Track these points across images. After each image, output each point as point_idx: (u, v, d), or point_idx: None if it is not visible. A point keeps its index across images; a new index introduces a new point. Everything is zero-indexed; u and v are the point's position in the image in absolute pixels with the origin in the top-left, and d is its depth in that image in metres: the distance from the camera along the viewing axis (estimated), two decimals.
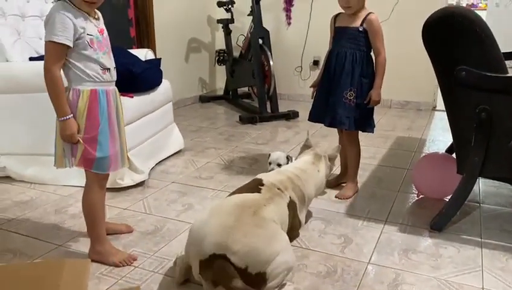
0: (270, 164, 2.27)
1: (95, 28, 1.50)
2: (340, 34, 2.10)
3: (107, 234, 1.69)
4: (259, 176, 1.72)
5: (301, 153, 2.01)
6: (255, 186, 1.60)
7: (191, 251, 1.38)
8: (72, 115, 1.48)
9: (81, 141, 1.50)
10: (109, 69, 1.54)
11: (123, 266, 1.60)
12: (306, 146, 2.03)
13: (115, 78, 1.58)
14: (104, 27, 1.56)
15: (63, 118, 1.47)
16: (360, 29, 2.04)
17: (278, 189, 1.62)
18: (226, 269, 1.25)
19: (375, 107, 2.14)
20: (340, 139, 2.30)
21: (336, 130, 2.28)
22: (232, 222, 1.34)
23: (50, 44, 1.43)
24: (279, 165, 2.11)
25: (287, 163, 2.14)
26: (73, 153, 1.53)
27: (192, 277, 1.41)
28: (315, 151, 1.96)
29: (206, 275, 1.30)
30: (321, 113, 2.17)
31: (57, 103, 1.47)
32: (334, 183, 2.33)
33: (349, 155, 2.22)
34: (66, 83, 1.53)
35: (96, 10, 1.54)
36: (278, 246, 1.35)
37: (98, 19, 1.55)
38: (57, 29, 1.41)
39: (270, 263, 1.30)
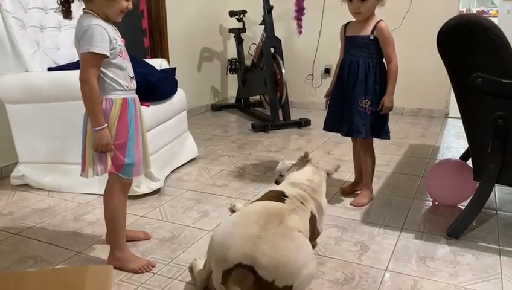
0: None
1: (119, 38, 1.56)
2: (351, 43, 2.12)
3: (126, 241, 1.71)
4: (278, 188, 1.70)
5: (298, 165, 1.87)
6: (278, 196, 1.56)
7: (213, 260, 1.33)
8: (107, 124, 1.51)
9: (113, 148, 1.54)
10: (133, 77, 1.61)
11: (142, 272, 1.62)
12: (305, 160, 1.87)
13: (135, 86, 1.63)
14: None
15: (99, 128, 1.49)
16: (371, 37, 2.04)
17: (301, 202, 1.58)
18: (251, 281, 1.22)
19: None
20: (354, 148, 2.30)
21: (350, 138, 2.28)
22: (259, 231, 1.29)
23: (89, 55, 1.46)
24: (281, 176, 2.04)
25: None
26: (102, 161, 1.55)
27: (212, 285, 1.41)
28: (315, 165, 1.86)
29: (230, 286, 1.26)
30: (336, 122, 2.18)
31: (93, 113, 1.49)
32: (348, 190, 2.33)
33: (364, 163, 2.22)
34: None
35: None
36: (305, 257, 1.32)
37: (115, 28, 1.59)
38: (96, 41, 1.45)
39: (298, 275, 1.27)
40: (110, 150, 1.53)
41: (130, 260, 1.64)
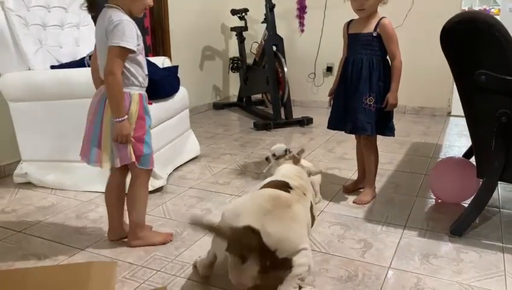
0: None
1: (140, 36, 1.60)
2: (355, 40, 2.11)
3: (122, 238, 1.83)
4: (280, 178, 1.71)
5: (282, 158, 1.98)
6: (283, 186, 1.59)
7: (214, 229, 1.35)
8: (127, 116, 1.57)
9: (132, 140, 1.60)
10: (147, 75, 1.68)
11: (166, 243, 1.78)
12: (297, 157, 1.96)
13: (147, 84, 1.70)
14: None
15: (120, 119, 1.55)
16: (374, 34, 2.04)
17: (303, 193, 1.62)
18: (256, 243, 1.26)
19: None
20: (357, 145, 2.30)
21: (352, 136, 2.28)
22: (270, 207, 1.36)
23: (118, 48, 1.50)
24: (273, 155, 2.07)
25: (285, 155, 2.05)
26: (121, 152, 1.60)
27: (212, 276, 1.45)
28: (301, 165, 1.93)
29: (235, 248, 1.29)
30: (340, 120, 2.17)
31: (116, 105, 1.55)
32: (351, 188, 2.33)
33: (368, 161, 2.22)
34: None
35: None
36: (306, 243, 1.36)
37: None
38: (127, 36, 1.50)
39: (298, 253, 1.32)
40: (129, 141, 1.59)
41: (153, 235, 1.80)
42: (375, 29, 2.03)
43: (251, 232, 1.27)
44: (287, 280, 1.31)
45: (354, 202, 2.18)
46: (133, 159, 1.61)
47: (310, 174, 1.92)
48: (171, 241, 1.80)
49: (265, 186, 1.63)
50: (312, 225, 1.71)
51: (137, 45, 1.56)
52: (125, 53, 1.52)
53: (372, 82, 2.05)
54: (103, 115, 1.59)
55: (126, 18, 1.52)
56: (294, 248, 1.32)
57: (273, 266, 1.28)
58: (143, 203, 1.75)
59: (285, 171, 1.79)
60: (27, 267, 1.63)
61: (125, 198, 1.78)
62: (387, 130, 2.14)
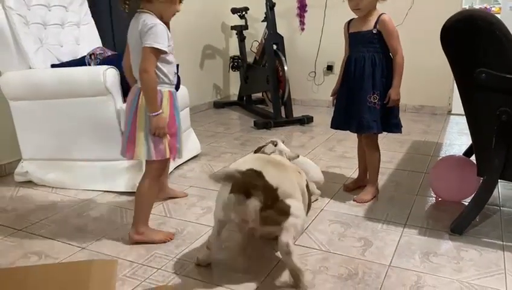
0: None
1: (171, 38, 1.73)
2: (355, 39, 2.11)
3: (169, 198, 2.17)
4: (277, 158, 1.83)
5: (264, 148, 2.08)
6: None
7: (227, 175, 1.41)
8: (161, 111, 1.68)
9: (168, 136, 1.72)
10: (177, 73, 1.81)
11: (167, 241, 1.81)
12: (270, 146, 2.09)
13: (176, 81, 1.82)
14: None
15: (156, 113, 1.67)
16: (374, 32, 2.03)
17: (298, 172, 1.73)
18: (260, 181, 1.40)
19: None
20: (359, 144, 2.29)
21: (353, 134, 2.28)
22: (269, 160, 1.57)
23: (151, 49, 1.64)
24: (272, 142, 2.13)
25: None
26: (157, 146, 1.71)
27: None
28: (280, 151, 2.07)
29: (241, 187, 1.39)
30: (344, 120, 2.17)
31: (152, 100, 1.67)
32: (351, 187, 2.33)
33: (369, 160, 2.22)
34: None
35: None
36: (300, 200, 1.53)
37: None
38: (160, 38, 1.64)
39: (295, 201, 1.46)
40: (165, 135, 1.70)
41: (155, 233, 1.84)
42: (374, 26, 2.03)
43: (255, 172, 1.42)
44: (285, 228, 1.41)
45: (354, 200, 2.19)
46: (168, 155, 1.73)
47: (288, 158, 2.04)
48: (171, 240, 1.83)
49: None
50: (307, 212, 1.74)
51: (168, 46, 1.68)
52: (157, 53, 1.65)
53: (376, 79, 2.04)
54: (137, 111, 1.69)
55: (159, 22, 1.65)
56: (293, 191, 1.48)
57: (273, 204, 1.40)
58: (150, 199, 1.83)
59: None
60: (28, 265, 1.63)
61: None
62: (393, 126, 2.14)
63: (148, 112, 1.67)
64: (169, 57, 1.72)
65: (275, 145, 2.05)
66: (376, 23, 2.03)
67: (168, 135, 1.72)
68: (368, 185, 2.24)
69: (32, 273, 1.30)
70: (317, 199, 2.19)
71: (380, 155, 2.22)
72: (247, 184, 1.38)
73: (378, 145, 2.21)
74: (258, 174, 1.42)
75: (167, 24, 1.70)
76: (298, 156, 2.10)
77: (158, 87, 1.69)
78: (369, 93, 2.05)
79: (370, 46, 2.06)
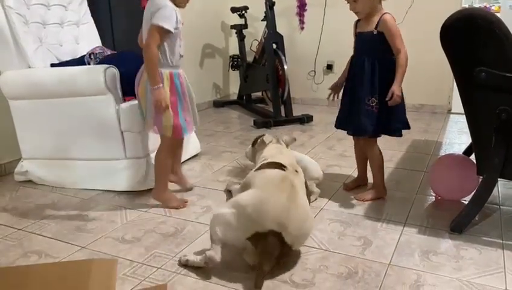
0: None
1: (180, 21, 1.90)
2: (359, 39, 2.08)
3: (172, 181, 2.26)
4: (271, 159, 1.89)
5: (260, 145, 2.19)
6: (279, 167, 1.75)
7: (247, 223, 1.48)
8: (162, 85, 1.84)
9: (171, 111, 1.89)
10: (182, 56, 1.97)
11: (180, 208, 2.07)
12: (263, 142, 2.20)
13: (182, 63, 1.99)
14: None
15: (156, 87, 1.82)
16: (375, 33, 1.99)
17: (296, 171, 1.79)
18: (278, 245, 1.47)
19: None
20: (356, 145, 2.28)
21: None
22: (288, 202, 1.53)
23: (156, 27, 1.79)
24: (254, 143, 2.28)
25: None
26: (156, 122, 1.93)
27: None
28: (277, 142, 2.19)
29: (259, 246, 1.46)
30: (346, 121, 2.15)
31: (152, 74, 1.82)
32: (351, 186, 2.33)
33: (370, 162, 2.20)
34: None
35: None
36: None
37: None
38: (166, 18, 1.79)
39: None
40: (167, 107, 1.85)
41: (169, 198, 2.10)
42: (376, 27, 1.99)
43: (274, 237, 1.46)
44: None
45: (355, 197, 2.19)
46: (167, 132, 1.92)
47: (286, 144, 2.17)
48: (183, 207, 2.08)
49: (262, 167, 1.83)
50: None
51: (175, 28, 1.83)
52: (161, 32, 1.79)
53: (375, 82, 2.00)
54: (138, 88, 1.91)
55: (169, 4, 1.80)
56: (306, 239, 1.61)
57: (286, 254, 1.55)
58: (165, 167, 2.05)
59: (269, 152, 2.04)
60: (28, 264, 1.63)
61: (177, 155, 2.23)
62: (394, 130, 2.08)
63: (150, 85, 1.82)
64: (176, 41, 1.86)
65: (263, 140, 2.15)
66: (378, 23, 1.98)
67: (168, 105, 1.87)
68: (372, 186, 2.23)
69: (32, 273, 1.29)
70: (316, 199, 2.19)
71: (381, 156, 2.18)
72: (266, 245, 1.47)
73: (377, 147, 2.17)
74: (279, 238, 1.47)
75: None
76: (295, 140, 2.22)
77: (160, 69, 1.83)
78: (368, 96, 2.01)
79: (371, 48, 2.02)
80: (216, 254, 1.52)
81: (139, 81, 1.94)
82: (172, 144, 2.02)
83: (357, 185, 2.33)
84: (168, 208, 2.07)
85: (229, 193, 2.24)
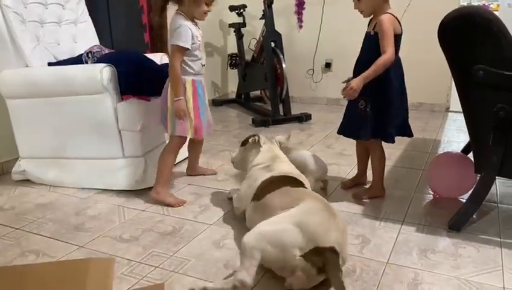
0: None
1: (200, 35, 2.10)
2: (363, 40, 2.07)
3: (196, 175, 2.49)
4: (270, 168, 1.89)
5: (252, 146, 2.11)
6: (295, 181, 1.77)
7: (310, 237, 1.38)
8: (183, 97, 2.06)
9: (192, 117, 2.10)
10: (204, 65, 2.18)
11: (177, 207, 2.12)
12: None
13: (203, 71, 2.19)
14: (201, 33, 2.13)
15: (177, 98, 2.04)
16: (372, 34, 1.98)
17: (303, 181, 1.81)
18: (337, 263, 1.38)
19: None
20: (357, 143, 2.26)
21: None
22: (340, 226, 1.47)
23: (176, 46, 2.01)
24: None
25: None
26: (180, 127, 2.10)
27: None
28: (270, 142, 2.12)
29: (314, 261, 1.37)
30: (344, 123, 2.15)
31: (174, 88, 2.05)
32: (349, 184, 2.33)
33: (372, 160, 2.19)
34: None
35: None
36: None
37: (197, 27, 2.11)
38: (183, 37, 1.99)
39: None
40: (185, 116, 2.06)
41: (169, 195, 2.17)
42: (374, 28, 1.97)
43: (334, 254, 1.38)
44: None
45: (352, 196, 2.18)
46: (188, 134, 2.12)
47: (280, 144, 2.15)
48: (181, 206, 2.12)
49: (275, 182, 1.75)
50: None
51: (193, 44, 2.03)
52: (181, 50, 2.01)
53: (367, 85, 1.94)
54: (167, 96, 2.08)
55: (184, 23, 1.99)
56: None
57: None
58: (168, 165, 2.17)
59: (264, 158, 1.99)
60: (25, 264, 1.63)
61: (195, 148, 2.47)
62: (386, 135, 2.03)
63: (173, 97, 2.05)
64: (195, 52, 2.07)
65: (257, 141, 2.07)
66: (375, 24, 1.96)
67: (193, 117, 2.10)
68: (371, 185, 2.22)
69: (29, 272, 1.29)
70: None
71: (383, 157, 2.16)
72: (324, 262, 1.38)
73: (381, 147, 2.15)
74: (337, 254, 1.39)
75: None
76: (289, 136, 2.22)
77: (183, 76, 2.06)
78: (358, 98, 1.97)
79: (368, 49, 2.00)
80: (248, 276, 1.34)
81: (167, 89, 2.10)
82: (178, 145, 2.18)
83: (355, 183, 2.33)
84: (164, 204, 2.13)
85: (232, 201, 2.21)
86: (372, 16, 2.02)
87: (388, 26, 1.91)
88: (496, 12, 5.43)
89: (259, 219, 1.52)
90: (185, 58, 2.05)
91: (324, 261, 1.37)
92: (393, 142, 2.05)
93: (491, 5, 7.62)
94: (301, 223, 1.40)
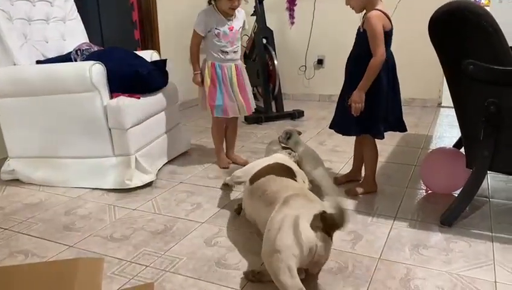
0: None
1: (225, 26, 2.42)
2: (356, 35, 2.05)
3: (230, 161, 2.67)
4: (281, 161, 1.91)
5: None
6: (288, 171, 1.82)
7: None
8: (199, 71, 2.50)
9: (207, 92, 2.46)
10: (227, 52, 2.45)
11: (222, 168, 2.57)
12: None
13: (233, 58, 2.50)
14: (236, 25, 2.46)
15: (194, 72, 2.50)
16: (361, 30, 1.97)
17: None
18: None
19: None
20: (356, 139, 2.25)
21: None
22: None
23: (193, 30, 2.44)
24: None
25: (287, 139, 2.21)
26: (203, 101, 2.52)
27: None
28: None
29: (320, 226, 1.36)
30: (336, 118, 2.17)
31: (191, 62, 2.50)
32: (342, 180, 2.32)
33: (364, 155, 2.19)
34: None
35: (235, 12, 2.44)
36: None
37: (232, 20, 2.44)
38: (197, 23, 2.42)
39: None
40: (198, 84, 2.53)
41: (221, 159, 2.64)
42: (363, 24, 1.97)
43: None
44: None
45: (345, 192, 2.18)
46: (205, 108, 2.51)
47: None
48: (227, 168, 2.57)
49: (270, 169, 1.81)
50: None
51: (209, 31, 2.41)
52: (195, 34, 2.44)
53: (355, 81, 1.95)
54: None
55: (204, 12, 2.41)
56: None
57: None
58: (215, 136, 2.65)
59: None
60: (13, 264, 1.60)
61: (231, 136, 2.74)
62: (375, 131, 2.02)
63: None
64: (214, 39, 2.41)
65: (289, 138, 2.18)
66: (364, 21, 1.95)
67: (207, 98, 2.45)
68: (363, 180, 2.22)
69: (17, 273, 1.27)
70: None
71: (374, 152, 2.16)
72: (333, 223, 1.37)
73: (373, 142, 2.14)
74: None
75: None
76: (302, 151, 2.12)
77: (206, 58, 2.47)
78: (348, 94, 1.99)
79: (358, 46, 2.01)
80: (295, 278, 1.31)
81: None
82: (217, 121, 2.58)
83: (349, 180, 2.32)
84: (219, 167, 2.60)
85: (227, 187, 2.19)
86: (364, 11, 2.01)
87: (376, 24, 1.89)
88: (487, 8, 5.45)
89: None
90: (207, 42, 2.44)
91: (324, 221, 1.37)
92: (382, 138, 2.05)
93: (482, 0, 7.66)
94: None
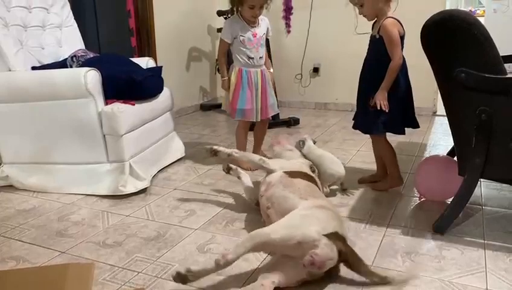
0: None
1: (249, 32, 2.56)
2: (369, 42, 2.20)
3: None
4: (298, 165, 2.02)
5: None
6: (307, 176, 1.92)
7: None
8: (227, 77, 2.62)
9: (230, 97, 2.59)
10: (253, 58, 2.58)
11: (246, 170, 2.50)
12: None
13: (259, 63, 2.63)
14: (259, 32, 2.60)
15: (223, 78, 2.63)
16: (377, 37, 2.10)
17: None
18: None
19: None
20: (373, 145, 2.38)
21: (336, 136, 2.30)
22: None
23: (220, 39, 2.61)
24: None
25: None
26: (227, 103, 2.64)
27: None
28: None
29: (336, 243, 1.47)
30: (358, 120, 2.28)
31: (220, 69, 2.70)
32: (366, 180, 2.42)
33: (382, 154, 2.32)
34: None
35: (258, 20, 2.60)
36: None
37: (255, 26, 2.59)
38: (224, 32, 2.57)
39: None
40: (226, 90, 2.64)
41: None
42: (378, 31, 2.09)
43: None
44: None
45: (372, 188, 2.32)
46: (228, 110, 2.66)
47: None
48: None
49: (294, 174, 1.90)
50: None
51: (234, 38, 2.54)
52: (223, 42, 2.59)
53: (376, 85, 2.10)
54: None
55: (230, 21, 2.58)
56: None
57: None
58: (239, 137, 2.75)
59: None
60: (4, 269, 1.60)
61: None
62: (398, 129, 2.22)
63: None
64: (240, 45, 2.55)
65: (302, 145, 2.30)
66: (380, 27, 2.08)
67: (231, 96, 2.58)
68: (388, 176, 2.32)
69: (8, 278, 1.27)
70: None
71: (390, 150, 2.29)
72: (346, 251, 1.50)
73: (387, 142, 2.29)
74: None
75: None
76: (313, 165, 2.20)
77: (234, 64, 2.59)
78: (369, 97, 2.13)
79: (374, 51, 2.15)
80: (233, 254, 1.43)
81: None
82: (240, 122, 2.69)
83: (372, 181, 2.40)
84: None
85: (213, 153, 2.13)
86: (375, 19, 2.16)
87: (392, 30, 2.07)
88: (481, 18, 5.51)
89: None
90: (234, 49, 2.57)
91: (345, 248, 1.49)
92: (403, 133, 2.25)
93: (478, 11, 7.73)
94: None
